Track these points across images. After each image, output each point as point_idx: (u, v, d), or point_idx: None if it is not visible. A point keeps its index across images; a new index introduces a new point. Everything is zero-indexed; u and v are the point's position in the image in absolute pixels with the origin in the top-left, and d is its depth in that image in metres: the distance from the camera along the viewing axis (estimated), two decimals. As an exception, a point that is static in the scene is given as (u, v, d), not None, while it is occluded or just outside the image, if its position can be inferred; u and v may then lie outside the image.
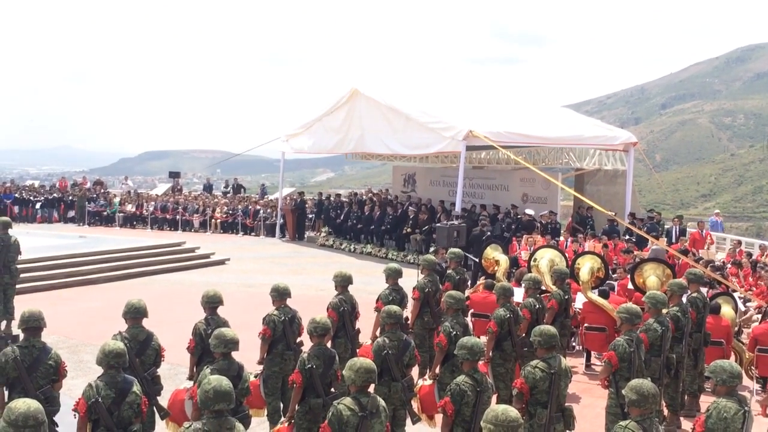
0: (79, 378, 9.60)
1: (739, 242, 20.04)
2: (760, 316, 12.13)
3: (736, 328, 11.63)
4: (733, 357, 10.46)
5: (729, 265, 15.68)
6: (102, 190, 32.72)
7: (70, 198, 31.26)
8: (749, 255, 17.58)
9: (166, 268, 19.85)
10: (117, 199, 31.00)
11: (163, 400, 7.49)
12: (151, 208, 29.77)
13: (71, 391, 8.01)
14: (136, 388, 6.07)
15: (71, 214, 30.68)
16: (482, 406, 6.05)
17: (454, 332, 8.03)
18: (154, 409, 7.19)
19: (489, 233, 18.61)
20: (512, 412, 4.78)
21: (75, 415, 5.91)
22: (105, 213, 30.17)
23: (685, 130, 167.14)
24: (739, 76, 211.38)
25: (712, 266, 14.51)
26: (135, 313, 7.46)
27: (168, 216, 29.49)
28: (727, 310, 10.84)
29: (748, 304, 13.60)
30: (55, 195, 31.69)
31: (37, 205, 30.80)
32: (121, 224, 29.58)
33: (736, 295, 12.44)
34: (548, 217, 20.45)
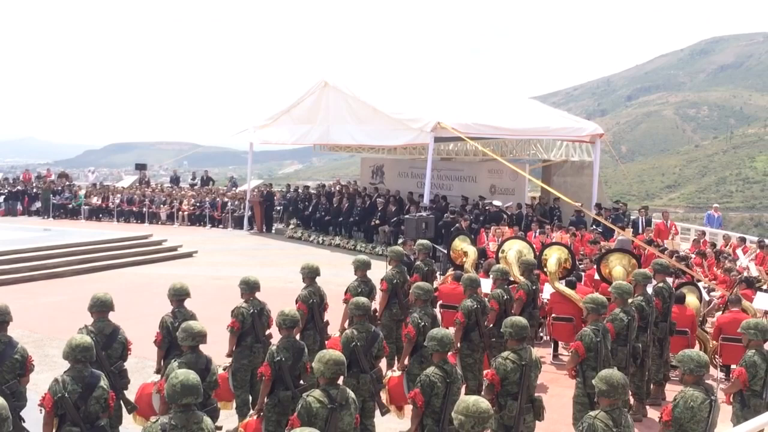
0: (45, 373, 9.48)
1: (704, 233, 20.28)
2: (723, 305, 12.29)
3: (701, 318, 11.79)
4: (697, 346, 10.61)
5: (693, 256, 15.87)
6: (67, 183, 32.34)
7: (35, 190, 30.88)
8: (713, 245, 17.81)
9: (133, 261, 19.68)
10: (82, 192, 30.65)
11: (131, 394, 7.43)
12: (117, 201, 29.49)
13: (37, 386, 7.91)
14: (103, 382, 6.02)
15: (36, 206, 30.31)
16: (452, 397, 6.08)
17: (423, 323, 8.07)
18: (121, 403, 7.14)
19: (459, 224, 18.65)
20: (483, 403, 4.81)
21: (41, 410, 5.85)
22: (70, 206, 29.80)
23: (650, 121, 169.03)
24: (703, 68, 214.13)
25: (677, 256, 14.68)
26: (101, 307, 7.38)
27: (134, 208, 29.23)
28: (691, 300, 10.98)
29: (712, 293, 13.78)
30: (18, 188, 31.28)
31: (1, 198, 30.37)
32: (86, 217, 29.22)
33: (700, 284, 12.59)
34: (514, 208, 20.55)
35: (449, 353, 6.63)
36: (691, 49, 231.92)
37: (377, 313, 10.16)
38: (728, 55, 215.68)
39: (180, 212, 28.83)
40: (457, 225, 18.57)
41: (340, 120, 22.96)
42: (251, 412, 7.35)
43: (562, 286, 11.37)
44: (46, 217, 29.01)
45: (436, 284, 11.79)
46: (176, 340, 6.91)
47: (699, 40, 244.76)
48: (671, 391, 9.42)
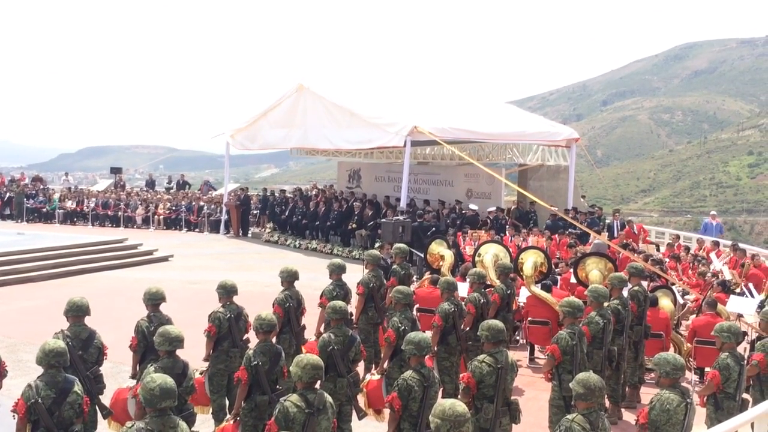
0: (19, 378, 9.39)
1: (678, 236, 20.44)
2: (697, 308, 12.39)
3: (675, 321, 11.88)
4: (672, 348, 10.69)
5: (668, 259, 15.99)
6: (41, 186, 32.03)
7: (8, 194, 30.55)
8: (687, 249, 17.95)
9: (109, 265, 19.50)
10: (57, 196, 30.38)
11: (106, 399, 7.37)
12: (92, 205, 29.24)
13: (10, 391, 7.82)
14: (78, 387, 5.97)
15: (9, 210, 29.98)
16: (429, 401, 6.08)
17: (403, 327, 8.06)
18: (96, 408, 7.08)
19: (435, 228, 18.68)
20: (459, 406, 4.82)
21: (14, 416, 5.79)
22: (44, 209, 29.52)
23: (625, 126, 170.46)
24: (677, 73, 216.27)
25: (652, 260, 14.79)
26: (77, 311, 7.33)
27: (110, 212, 29.01)
28: (665, 303, 11.07)
29: (686, 297, 13.89)
30: (-8, 191, 30.95)
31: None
32: (61, 221, 28.96)
33: (674, 288, 12.69)
34: (494, 213, 20.63)
35: (426, 357, 6.64)
36: (666, 55, 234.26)
37: (354, 317, 10.16)
38: (702, 60, 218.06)
39: (156, 216, 28.66)
40: (433, 228, 18.61)
41: (317, 124, 22.95)
42: (228, 416, 7.31)
43: (538, 289, 11.42)
44: (19, 221, 28.71)
45: (412, 288, 11.81)
46: (152, 345, 6.88)
47: (673, 46, 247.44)
48: (646, 393, 9.51)
